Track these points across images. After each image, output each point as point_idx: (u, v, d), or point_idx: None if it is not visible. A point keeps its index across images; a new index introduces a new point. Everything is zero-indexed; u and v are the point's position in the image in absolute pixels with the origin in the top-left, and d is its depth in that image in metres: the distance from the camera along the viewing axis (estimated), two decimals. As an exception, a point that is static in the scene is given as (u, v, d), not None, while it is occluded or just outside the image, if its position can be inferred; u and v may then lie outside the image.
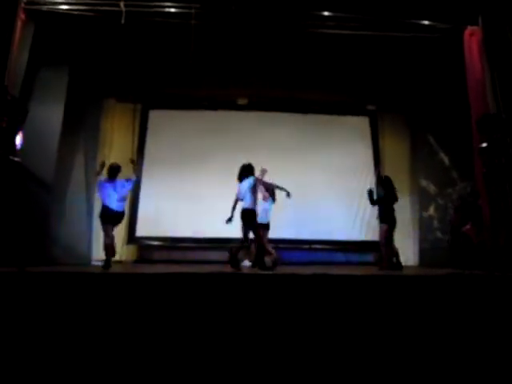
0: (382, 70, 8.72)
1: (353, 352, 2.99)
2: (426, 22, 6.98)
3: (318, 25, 7.01)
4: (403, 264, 9.34)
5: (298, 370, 2.76)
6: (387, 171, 10.02)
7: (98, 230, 9.03)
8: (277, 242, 8.31)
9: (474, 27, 6.84)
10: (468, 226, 6.73)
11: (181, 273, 4.91)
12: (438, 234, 8.56)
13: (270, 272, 5.37)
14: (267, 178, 6.78)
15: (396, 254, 7.04)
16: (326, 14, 6.83)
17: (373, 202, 7.15)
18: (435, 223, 8.73)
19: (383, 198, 6.94)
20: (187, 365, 2.80)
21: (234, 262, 6.01)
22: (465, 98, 6.93)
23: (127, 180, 6.36)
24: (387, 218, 6.84)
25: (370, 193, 7.13)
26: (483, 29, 6.64)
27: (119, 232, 9.24)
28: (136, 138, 9.88)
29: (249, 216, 6.25)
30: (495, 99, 6.27)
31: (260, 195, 6.67)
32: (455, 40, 7.05)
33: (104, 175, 6.22)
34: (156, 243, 9.04)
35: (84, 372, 2.68)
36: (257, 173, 6.65)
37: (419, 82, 9.01)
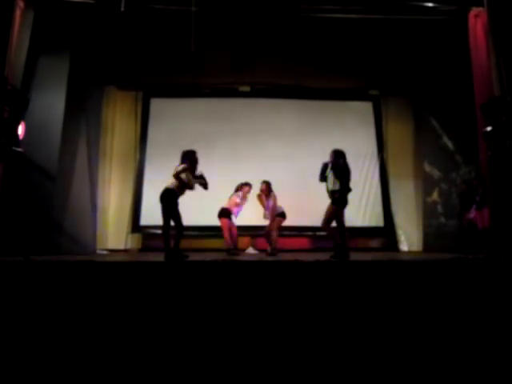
0: (385, 54, 8.62)
1: (357, 337, 3.01)
2: (430, 4, 6.87)
3: (319, 9, 6.92)
4: (407, 250, 9.42)
5: (301, 355, 2.78)
6: (391, 156, 10.01)
7: (103, 218, 9.12)
8: (280, 229, 8.33)
9: (479, 8, 6.73)
10: (473, 212, 6.70)
11: (185, 261, 4.94)
12: (442, 219, 8.53)
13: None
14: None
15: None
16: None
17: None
18: (439, 208, 8.70)
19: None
20: (193, 351, 2.82)
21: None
22: (469, 82, 6.86)
23: None
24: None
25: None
26: (488, 10, 6.53)
27: (123, 221, 9.30)
28: (138, 126, 9.86)
29: None
30: (500, 82, 6.19)
31: None
32: (459, 22, 6.95)
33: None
34: (160, 232, 9.05)
35: (90, 360, 2.70)
36: None
37: (423, 66, 8.90)
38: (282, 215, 7.13)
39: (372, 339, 2.97)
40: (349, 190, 5.51)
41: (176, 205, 5.20)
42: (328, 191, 5.62)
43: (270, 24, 7.51)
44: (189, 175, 5.39)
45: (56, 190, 6.90)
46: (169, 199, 5.18)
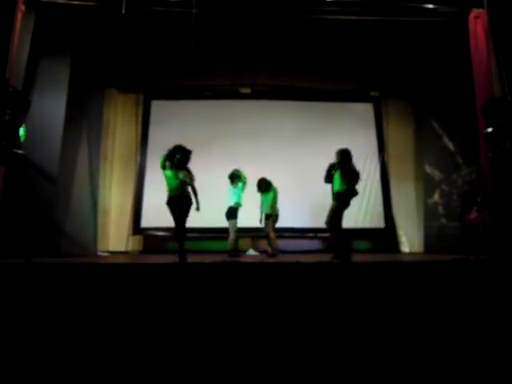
0: (386, 55, 8.59)
1: (359, 338, 3.00)
2: (430, 6, 6.87)
3: (320, 11, 6.92)
4: (408, 251, 9.41)
5: (303, 357, 2.78)
6: (391, 158, 10.00)
7: (104, 220, 9.13)
8: (282, 230, 8.33)
9: (479, 10, 6.73)
10: (474, 214, 6.68)
11: (187, 262, 4.93)
12: (443, 221, 8.52)
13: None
14: None
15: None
16: (328, -1, 6.74)
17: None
18: (440, 209, 8.69)
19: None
20: (192, 352, 2.82)
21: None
22: (470, 83, 6.85)
23: None
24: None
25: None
26: (488, 11, 6.53)
27: (124, 223, 9.31)
28: (139, 129, 9.87)
29: None
30: (501, 83, 6.19)
31: None
32: (460, 23, 6.95)
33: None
34: (161, 234, 9.07)
35: (91, 362, 2.70)
36: None
37: (423, 67, 8.88)
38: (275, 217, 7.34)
39: (374, 340, 2.97)
40: (355, 192, 5.45)
41: (189, 209, 5.41)
42: (333, 192, 5.52)
43: (271, 26, 7.51)
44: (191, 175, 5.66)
45: (57, 192, 6.90)
46: (183, 202, 5.36)
